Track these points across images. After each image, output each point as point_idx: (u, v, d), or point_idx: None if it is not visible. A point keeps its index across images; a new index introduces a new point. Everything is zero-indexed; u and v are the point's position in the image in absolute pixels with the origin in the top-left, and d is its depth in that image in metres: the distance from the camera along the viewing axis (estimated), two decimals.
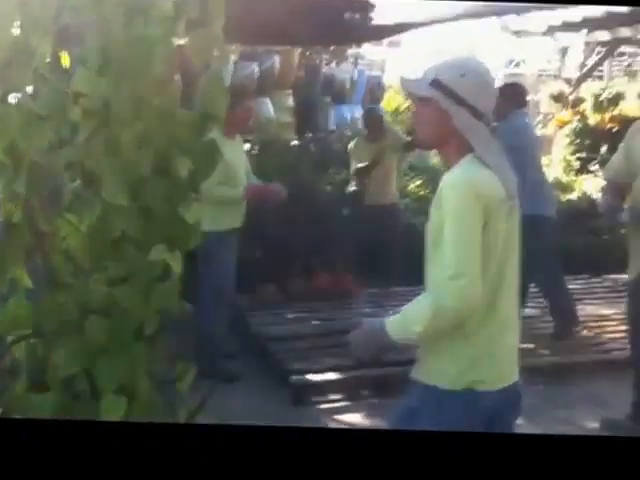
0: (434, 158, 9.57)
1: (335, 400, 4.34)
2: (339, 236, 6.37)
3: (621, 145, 3.74)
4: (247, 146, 8.09)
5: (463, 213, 1.99)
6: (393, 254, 6.35)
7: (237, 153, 4.66)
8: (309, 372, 4.43)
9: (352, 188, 6.54)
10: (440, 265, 2.02)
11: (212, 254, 4.29)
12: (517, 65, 18.90)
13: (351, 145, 6.64)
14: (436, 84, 2.05)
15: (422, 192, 7.94)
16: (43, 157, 1.78)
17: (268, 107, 8.54)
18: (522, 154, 4.16)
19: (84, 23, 1.78)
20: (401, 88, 2.29)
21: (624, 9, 7.03)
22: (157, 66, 1.76)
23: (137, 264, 1.79)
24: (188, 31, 1.81)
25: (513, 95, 5.04)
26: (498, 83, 5.18)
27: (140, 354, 1.80)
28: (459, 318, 2.00)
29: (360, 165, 6.30)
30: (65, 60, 1.93)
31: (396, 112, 13.11)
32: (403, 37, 12.96)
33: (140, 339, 1.80)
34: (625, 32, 8.47)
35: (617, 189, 3.66)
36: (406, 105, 13.57)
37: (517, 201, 2.14)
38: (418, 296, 2.09)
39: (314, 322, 5.36)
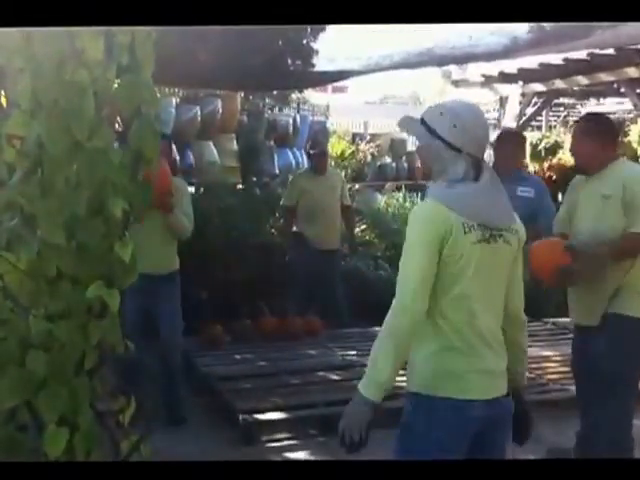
0: (380, 203, 9.73)
1: (283, 439, 4.34)
2: (285, 279, 6.36)
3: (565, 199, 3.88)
4: (191, 189, 8.09)
5: (415, 237, 2.16)
6: (339, 297, 6.37)
7: None
8: (257, 411, 4.42)
9: (295, 232, 6.53)
10: None
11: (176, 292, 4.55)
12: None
13: (292, 178, 6.62)
14: (422, 122, 2.28)
15: (367, 237, 8.00)
16: None
17: (211, 151, 8.55)
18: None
19: (17, 67, 1.81)
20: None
21: (559, 60, 7.28)
22: (89, 109, 1.79)
23: (74, 301, 1.83)
24: (118, 76, 1.85)
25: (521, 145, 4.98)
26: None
27: (81, 387, 1.84)
28: (400, 335, 2.12)
29: (292, 203, 6.30)
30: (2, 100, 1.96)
31: (341, 157, 13.29)
32: (348, 83, 13.20)
33: (80, 373, 1.85)
34: (560, 84, 8.77)
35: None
36: (350, 151, 13.79)
37: (509, 232, 2.25)
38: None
39: (261, 362, 5.39)
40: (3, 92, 1.97)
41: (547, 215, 4.33)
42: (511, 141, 4.80)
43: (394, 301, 2.15)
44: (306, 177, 6.43)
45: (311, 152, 6.64)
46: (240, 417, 4.32)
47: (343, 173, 12.72)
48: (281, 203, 6.56)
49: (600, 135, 3.56)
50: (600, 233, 3.46)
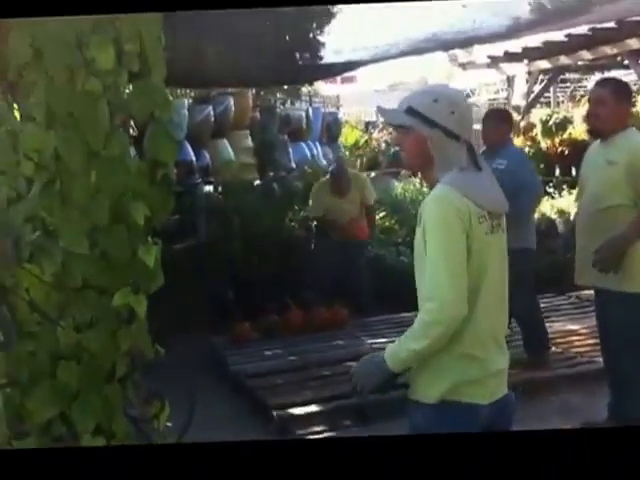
0: (398, 189, 9.75)
1: (319, 431, 4.32)
2: (308, 271, 6.41)
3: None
4: (209, 188, 8.17)
5: (442, 229, 2.07)
6: (363, 285, 6.43)
7: None
8: (291, 406, 4.44)
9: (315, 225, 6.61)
10: (423, 281, 2.10)
11: None
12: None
13: (315, 189, 6.61)
14: (411, 112, 2.14)
15: (387, 223, 8.04)
16: (2, 213, 1.85)
17: (227, 149, 8.61)
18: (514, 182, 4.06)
19: (29, 80, 1.84)
20: (379, 116, 2.37)
21: (562, 37, 7.28)
22: (103, 118, 1.81)
23: (101, 309, 1.83)
24: (130, 83, 1.87)
25: (506, 121, 4.93)
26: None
27: (114, 395, 1.85)
28: (442, 334, 2.03)
29: (319, 214, 6.41)
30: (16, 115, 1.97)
31: (355, 146, 13.30)
32: (357, 73, 13.16)
33: (112, 381, 1.85)
34: (565, 60, 8.76)
35: None
36: (364, 140, 13.79)
37: (502, 220, 2.21)
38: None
39: (291, 357, 5.40)
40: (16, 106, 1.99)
41: (529, 189, 4.43)
42: (494, 118, 4.88)
43: (428, 301, 2.04)
44: (327, 193, 6.44)
45: (331, 174, 6.58)
46: (274, 413, 4.33)
47: (358, 162, 12.78)
48: (308, 214, 6.59)
49: (617, 98, 3.58)
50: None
